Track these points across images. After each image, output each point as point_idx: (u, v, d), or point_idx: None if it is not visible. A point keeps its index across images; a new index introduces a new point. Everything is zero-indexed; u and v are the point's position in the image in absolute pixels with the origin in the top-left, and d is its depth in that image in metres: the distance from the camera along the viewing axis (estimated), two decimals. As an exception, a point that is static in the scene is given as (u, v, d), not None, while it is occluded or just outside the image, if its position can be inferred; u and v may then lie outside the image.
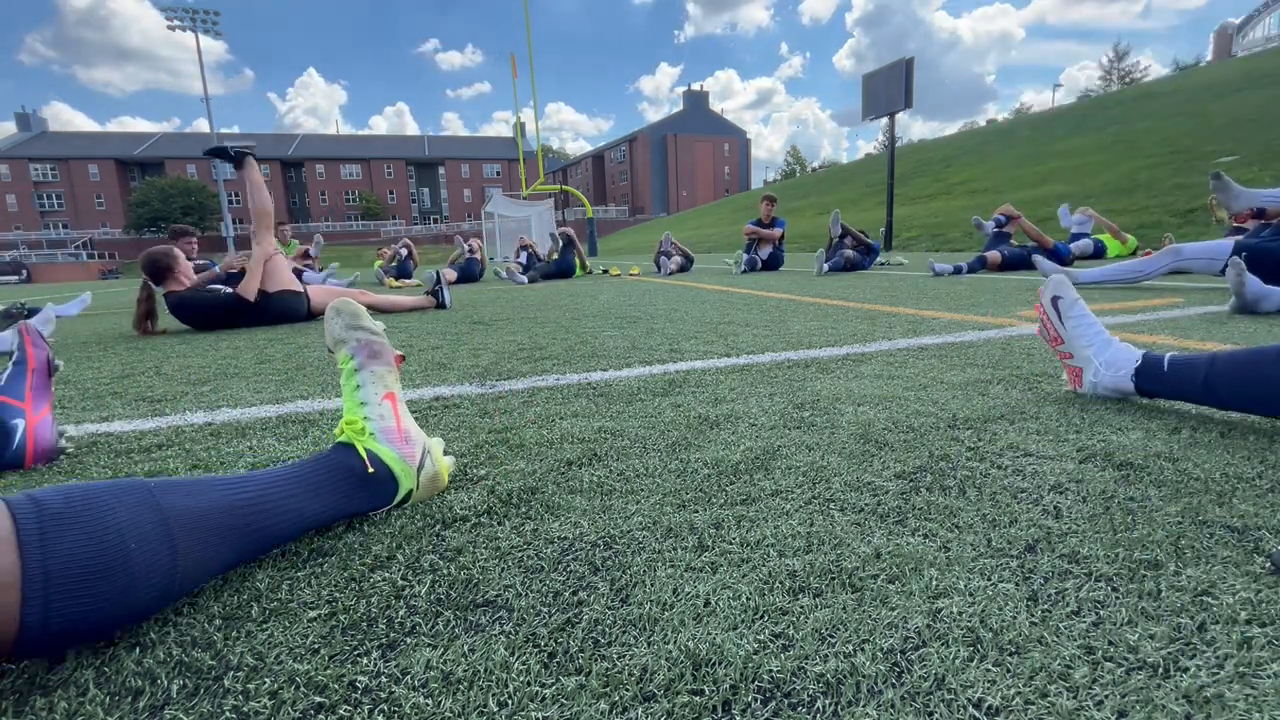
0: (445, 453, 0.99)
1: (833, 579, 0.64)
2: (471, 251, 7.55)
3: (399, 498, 0.83)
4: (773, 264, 7.25)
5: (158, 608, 0.59)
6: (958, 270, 5.04)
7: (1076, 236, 6.56)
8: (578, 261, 7.64)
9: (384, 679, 0.52)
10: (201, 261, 5.34)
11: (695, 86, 73.55)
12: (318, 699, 0.49)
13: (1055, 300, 1.30)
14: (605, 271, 8.08)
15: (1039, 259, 4.06)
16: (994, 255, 5.24)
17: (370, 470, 0.79)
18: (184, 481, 0.65)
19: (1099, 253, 6.57)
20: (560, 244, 7.68)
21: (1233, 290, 2.41)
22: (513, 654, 0.54)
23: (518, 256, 8.15)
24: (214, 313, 3.36)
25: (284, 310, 3.46)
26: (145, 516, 0.57)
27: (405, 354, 2.19)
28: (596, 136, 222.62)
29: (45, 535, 0.51)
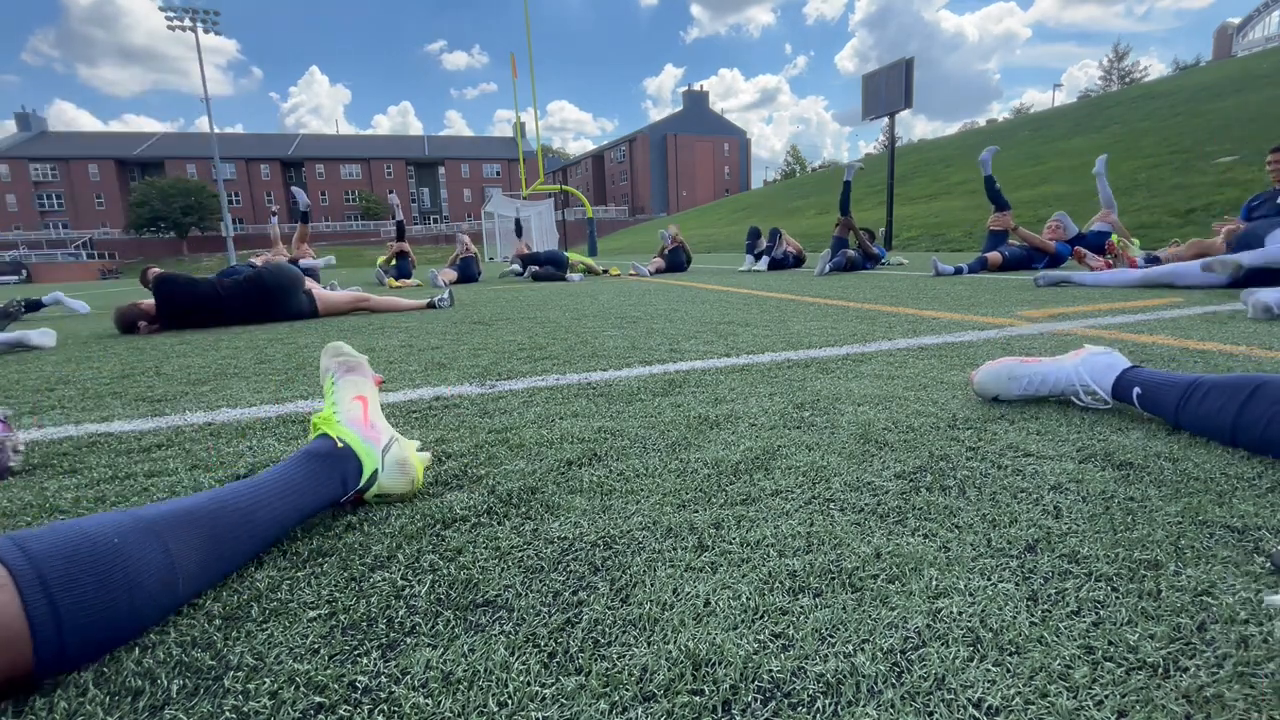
0: (421, 450, 1.00)
1: (833, 579, 0.64)
2: (468, 250, 7.60)
3: (366, 475, 0.85)
4: (788, 264, 7.25)
5: (166, 599, 0.59)
6: (959, 271, 5.04)
7: (1100, 234, 6.43)
8: (580, 263, 7.67)
9: (384, 679, 0.52)
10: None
11: (696, 86, 73.58)
12: (318, 699, 0.49)
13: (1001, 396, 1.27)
14: (605, 271, 8.08)
15: (1043, 273, 3.91)
16: (994, 256, 5.23)
17: (339, 445, 0.84)
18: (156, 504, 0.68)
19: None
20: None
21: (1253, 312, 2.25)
22: (513, 654, 0.54)
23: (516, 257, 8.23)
24: (194, 297, 3.34)
25: (278, 283, 3.46)
26: (122, 520, 0.59)
27: (405, 353, 2.19)
28: (601, 137, 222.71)
29: (26, 547, 0.51)
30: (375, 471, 0.86)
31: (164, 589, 0.58)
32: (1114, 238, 5.73)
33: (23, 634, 0.48)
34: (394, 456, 0.89)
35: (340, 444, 0.84)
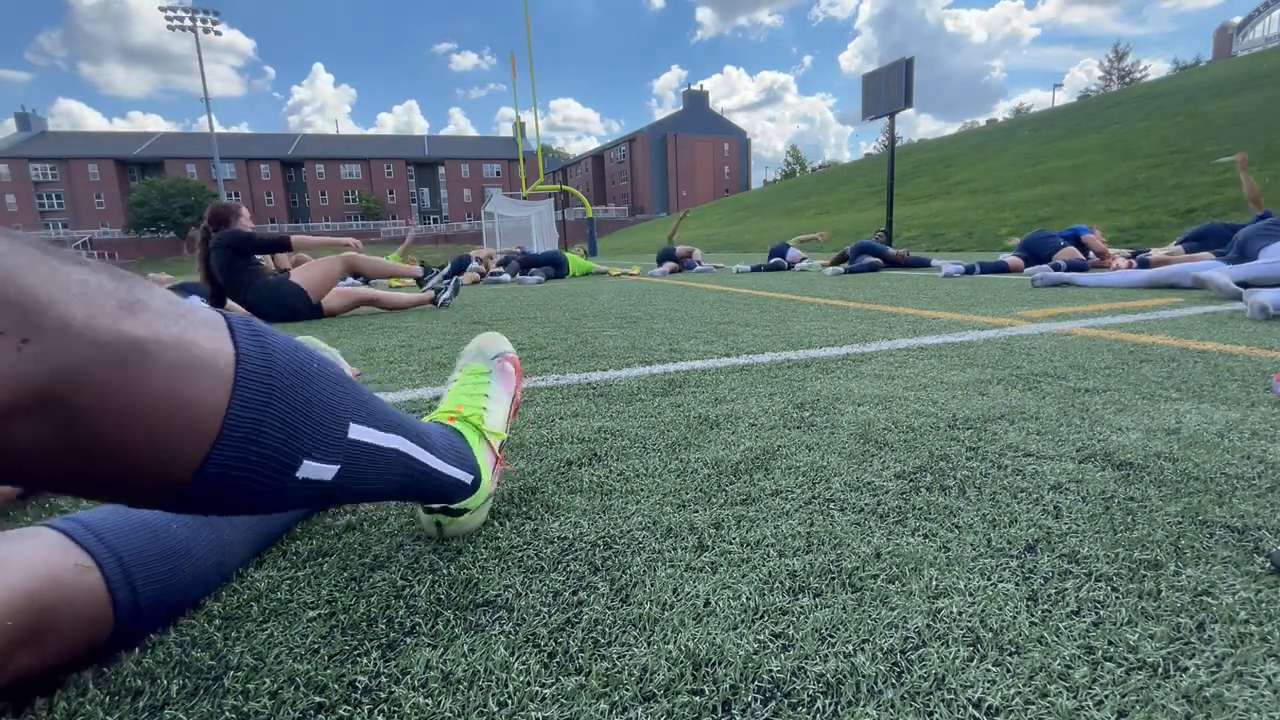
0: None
1: (833, 579, 0.64)
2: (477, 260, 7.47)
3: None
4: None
5: (217, 575, 0.65)
6: (970, 270, 4.99)
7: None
8: (580, 260, 7.64)
9: (384, 679, 0.52)
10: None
11: (696, 86, 73.58)
12: (318, 699, 0.49)
13: None
14: (605, 271, 8.08)
15: (1042, 274, 3.86)
16: (1015, 261, 5.17)
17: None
18: None
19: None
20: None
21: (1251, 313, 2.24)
22: (513, 654, 0.54)
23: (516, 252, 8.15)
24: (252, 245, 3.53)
25: (281, 295, 3.51)
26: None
27: (405, 353, 2.19)
28: (607, 136, 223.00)
29: (100, 534, 0.56)
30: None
31: (215, 568, 0.65)
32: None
33: (106, 611, 0.53)
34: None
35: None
